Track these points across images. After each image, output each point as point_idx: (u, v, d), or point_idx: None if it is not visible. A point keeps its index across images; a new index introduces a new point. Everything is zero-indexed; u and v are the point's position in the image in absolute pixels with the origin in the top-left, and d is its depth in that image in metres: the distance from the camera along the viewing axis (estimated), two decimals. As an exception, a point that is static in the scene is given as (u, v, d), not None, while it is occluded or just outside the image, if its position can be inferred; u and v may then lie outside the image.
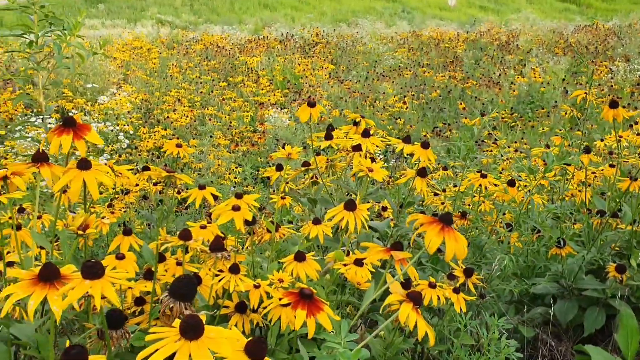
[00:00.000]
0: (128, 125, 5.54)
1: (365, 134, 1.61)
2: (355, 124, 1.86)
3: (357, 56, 10.30)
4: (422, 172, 1.66)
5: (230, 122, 6.22)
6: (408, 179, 1.68)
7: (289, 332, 1.20)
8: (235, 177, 4.52)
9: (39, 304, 0.83)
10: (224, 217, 1.23)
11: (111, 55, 8.59)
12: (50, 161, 1.12)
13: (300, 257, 1.35)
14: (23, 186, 1.07)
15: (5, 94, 6.86)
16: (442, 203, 2.08)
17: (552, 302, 1.85)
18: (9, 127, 6.10)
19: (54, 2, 2.25)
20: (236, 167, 4.78)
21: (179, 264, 1.22)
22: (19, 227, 1.36)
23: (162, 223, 2.53)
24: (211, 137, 5.48)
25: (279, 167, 1.75)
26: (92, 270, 0.76)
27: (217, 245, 1.18)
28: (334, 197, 1.83)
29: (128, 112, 5.83)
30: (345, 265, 1.37)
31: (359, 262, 1.37)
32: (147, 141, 5.09)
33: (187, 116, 6.22)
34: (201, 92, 7.60)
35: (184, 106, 6.75)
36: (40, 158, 1.17)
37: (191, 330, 0.70)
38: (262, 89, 7.56)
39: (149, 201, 2.71)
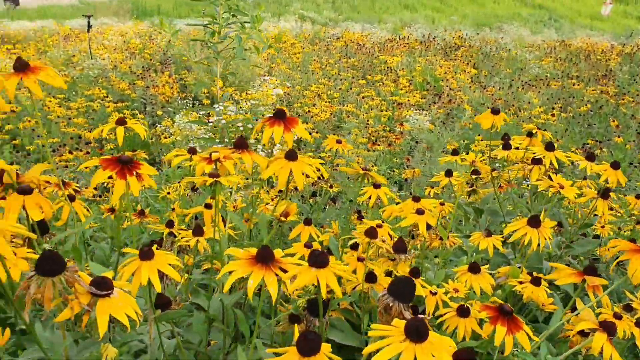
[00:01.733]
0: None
1: (550, 146, 1.54)
2: (530, 135, 1.78)
3: (500, 62, 9.94)
4: (606, 194, 1.56)
5: (368, 120, 6.26)
6: (587, 199, 1.59)
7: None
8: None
9: (257, 284, 0.88)
10: (410, 219, 1.23)
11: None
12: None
13: (475, 268, 1.32)
14: (232, 169, 1.14)
15: (163, 77, 7.40)
16: (632, 230, 1.94)
17: None
18: (164, 107, 6.57)
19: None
20: (372, 166, 4.79)
21: (360, 259, 1.24)
22: (209, 206, 1.46)
23: (327, 216, 2.59)
24: (349, 134, 5.54)
25: (449, 173, 1.73)
26: (320, 259, 0.78)
27: (401, 247, 1.19)
28: (501, 208, 1.77)
29: (272, 103, 6.05)
30: (520, 283, 1.33)
31: (536, 282, 1.32)
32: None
33: (327, 111, 6.34)
34: (340, 89, 7.72)
35: (324, 101, 6.89)
36: (242, 145, 1.24)
37: (417, 333, 0.70)
38: (401, 89, 7.52)
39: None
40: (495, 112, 1.56)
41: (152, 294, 0.97)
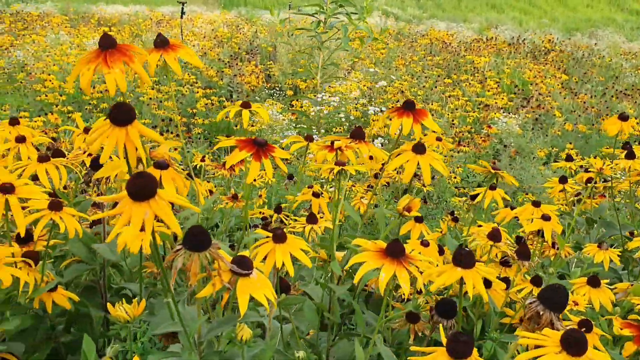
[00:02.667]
0: (355, 110, 5.72)
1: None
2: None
3: (592, 69, 9.49)
4: None
5: (453, 120, 6.12)
6: None
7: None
8: (454, 178, 4.43)
9: (388, 278, 0.86)
10: (535, 224, 1.17)
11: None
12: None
13: (594, 282, 1.24)
14: (353, 158, 1.12)
15: (250, 67, 7.53)
16: None
17: None
18: (249, 97, 6.68)
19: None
20: (458, 167, 4.68)
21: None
22: (317, 195, 1.45)
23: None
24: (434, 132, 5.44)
25: (563, 180, 1.64)
26: (467, 259, 0.75)
27: (525, 253, 1.13)
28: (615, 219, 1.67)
29: (355, 98, 6.03)
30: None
31: (664, 302, 1.23)
32: (371, 129, 5.22)
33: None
34: (424, 86, 7.60)
35: (407, 98, 6.80)
36: (359, 135, 1.22)
37: (577, 345, 0.65)
38: (488, 91, 7.31)
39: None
40: (624, 118, 1.47)
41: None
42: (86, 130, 1.28)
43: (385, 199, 2.49)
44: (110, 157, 1.26)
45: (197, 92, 6.14)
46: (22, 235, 0.88)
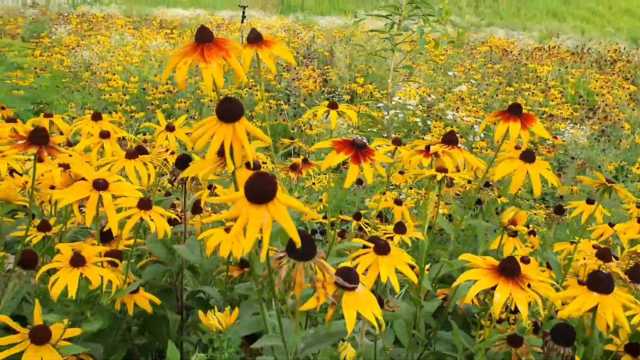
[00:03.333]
0: (414, 116, 5.61)
1: None
2: None
3: (662, 80, 9.06)
4: None
5: (515, 131, 5.93)
6: None
7: None
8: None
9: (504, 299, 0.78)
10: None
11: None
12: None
13: None
14: (450, 164, 1.05)
15: (307, 71, 7.51)
16: None
17: None
18: (306, 100, 6.66)
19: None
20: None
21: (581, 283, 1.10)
22: (399, 202, 1.37)
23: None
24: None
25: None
26: (606, 283, 0.66)
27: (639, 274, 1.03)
28: None
29: (417, 104, 5.92)
30: None
31: None
32: (432, 135, 5.11)
33: (471, 116, 6.10)
34: (484, 94, 7.41)
35: (468, 106, 6.64)
36: (451, 140, 1.14)
37: None
38: (552, 100, 7.06)
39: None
40: None
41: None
42: (168, 128, 1.25)
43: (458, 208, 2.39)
44: (189, 156, 1.22)
45: (256, 95, 6.15)
46: (115, 233, 0.84)
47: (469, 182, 2.39)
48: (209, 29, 0.88)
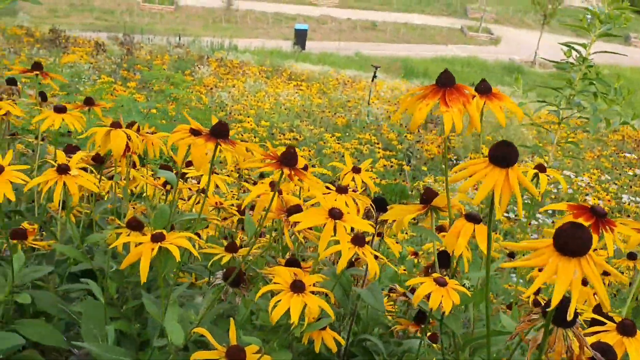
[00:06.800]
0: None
1: None
2: None
3: None
4: None
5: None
6: None
7: None
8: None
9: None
10: None
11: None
12: None
13: None
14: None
15: (431, 135, 7.49)
16: None
17: None
18: (427, 164, 6.60)
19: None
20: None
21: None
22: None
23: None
24: None
25: None
26: None
27: None
28: None
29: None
30: None
31: None
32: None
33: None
34: (615, 184, 7.00)
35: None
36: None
37: None
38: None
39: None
40: None
41: None
42: (355, 170, 1.25)
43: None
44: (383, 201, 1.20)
45: (378, 153, 6.20)
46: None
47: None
48: (451, 74, 0.87)
